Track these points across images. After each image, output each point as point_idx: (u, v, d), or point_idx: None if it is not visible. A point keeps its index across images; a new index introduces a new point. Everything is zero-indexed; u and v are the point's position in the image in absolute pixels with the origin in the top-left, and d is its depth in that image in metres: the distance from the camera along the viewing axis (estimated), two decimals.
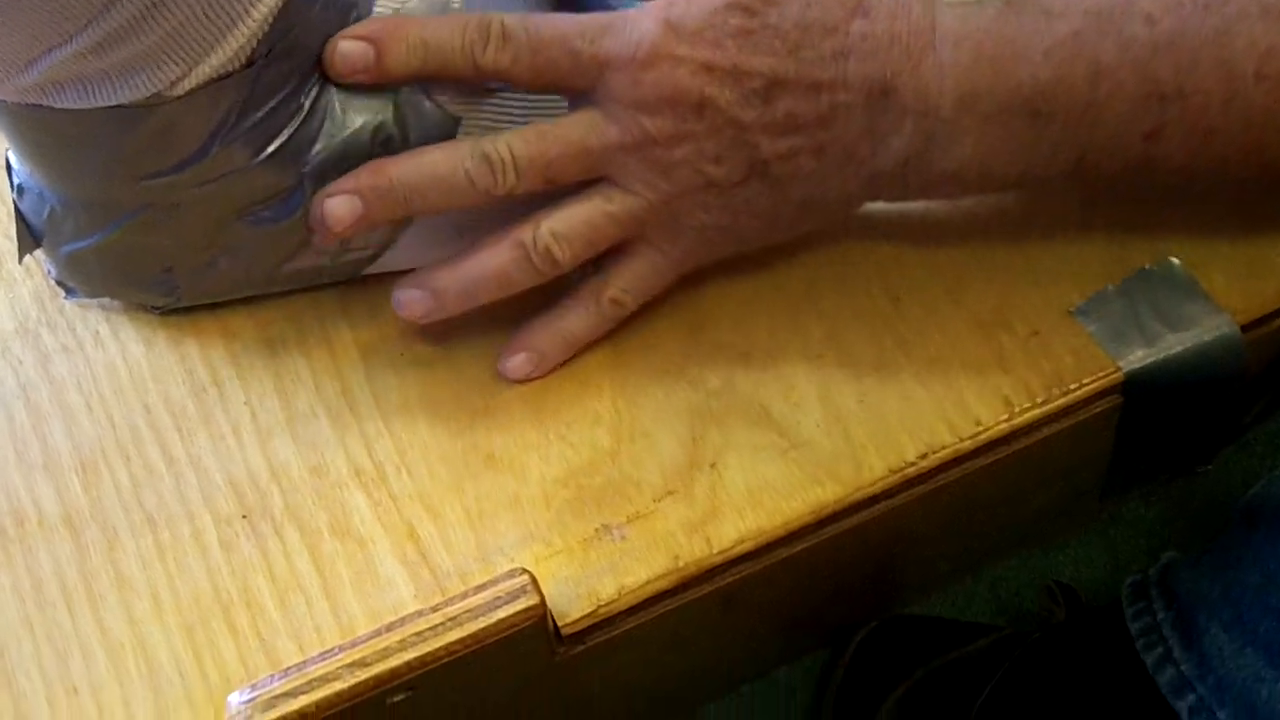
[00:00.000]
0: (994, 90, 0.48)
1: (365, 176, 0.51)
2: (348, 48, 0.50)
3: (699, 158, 0.49)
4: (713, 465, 0.51)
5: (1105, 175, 0.51)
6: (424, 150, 0.51)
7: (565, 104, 0.53)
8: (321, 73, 0.50)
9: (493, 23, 0.50)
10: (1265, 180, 0.52)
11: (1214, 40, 0.48)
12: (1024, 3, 0.49)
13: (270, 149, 0.50)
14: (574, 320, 0.53)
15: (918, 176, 0.50)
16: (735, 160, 0.49)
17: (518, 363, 0.53)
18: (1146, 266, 0.54)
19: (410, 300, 0.52)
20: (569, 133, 0.49)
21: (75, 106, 0.47)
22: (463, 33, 0.50)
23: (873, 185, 0.50)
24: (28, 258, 0.57)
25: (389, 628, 0.46)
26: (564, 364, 0.53)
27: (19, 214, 0.54)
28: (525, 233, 0.51)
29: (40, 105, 0.47)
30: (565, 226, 0.51)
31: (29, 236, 0.54)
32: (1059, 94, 0.48)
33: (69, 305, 0.56)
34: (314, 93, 0.50)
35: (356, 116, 0.51)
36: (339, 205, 0.50)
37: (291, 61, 0.48)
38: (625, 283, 0.52)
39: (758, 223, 0.51)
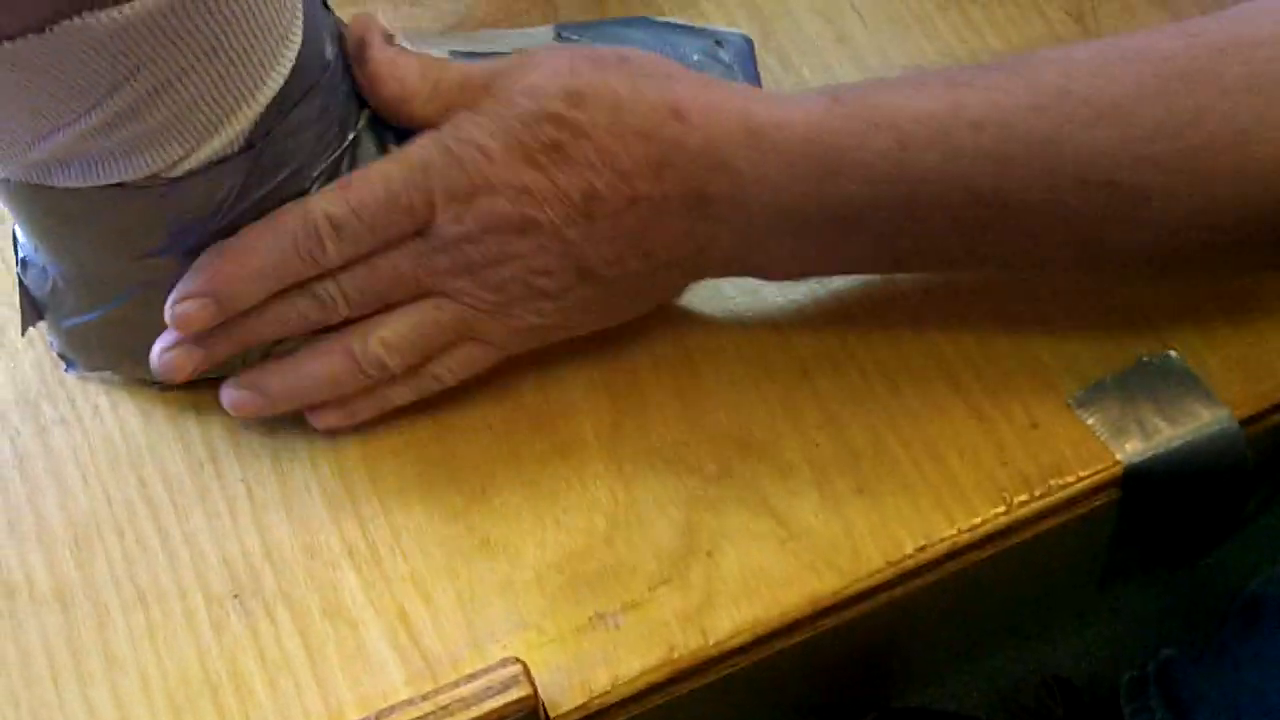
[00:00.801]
0: (806, 207, 0.49)
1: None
2: (185, 310, 0.49)
3: (527, 273, 0.50)
4: (709, 553, 0.51)
5: (930, 269, 0.52)
6: (271, 305, 0.50)
7: None
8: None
9: (317, 221, 0.49)
10: (1100, 277, 0.53)
11: (1038, 147, 0.48)
12: (850, 101, 0.49)
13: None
14: (395, 392, 0.53)
15: (743, 268, 0.51)
16: (563, 271, 0.50)
17: (330, 420, 0.53)
18: (1144, 358, 0.54)
19: (239, 400, 0.52)
20: (399, 264, 0.50)
21: (77, 184, 0.47)
22: (294, 245, 0.49)
23: (702, 276, 0.52)
24: (30, 329, 0.57)
25: (378, 716, 0.46)
26: (560, 451, 0.53)
27: (22, 287, 0.54)
28: (355, 341, 0.51)
29: (41, 184, 0.47)
30: (395, 336, 0.51)
31: (32, 309, 0.54)
32: (875, 210, 0.49)
33: (69, 377, 0.56)
34: (318, 176, 0.50)
35: None
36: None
37: (291, 145, 0.49)
38: (452, 364, 0.53)
39: (591, 317, 0.52)
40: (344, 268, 0.50)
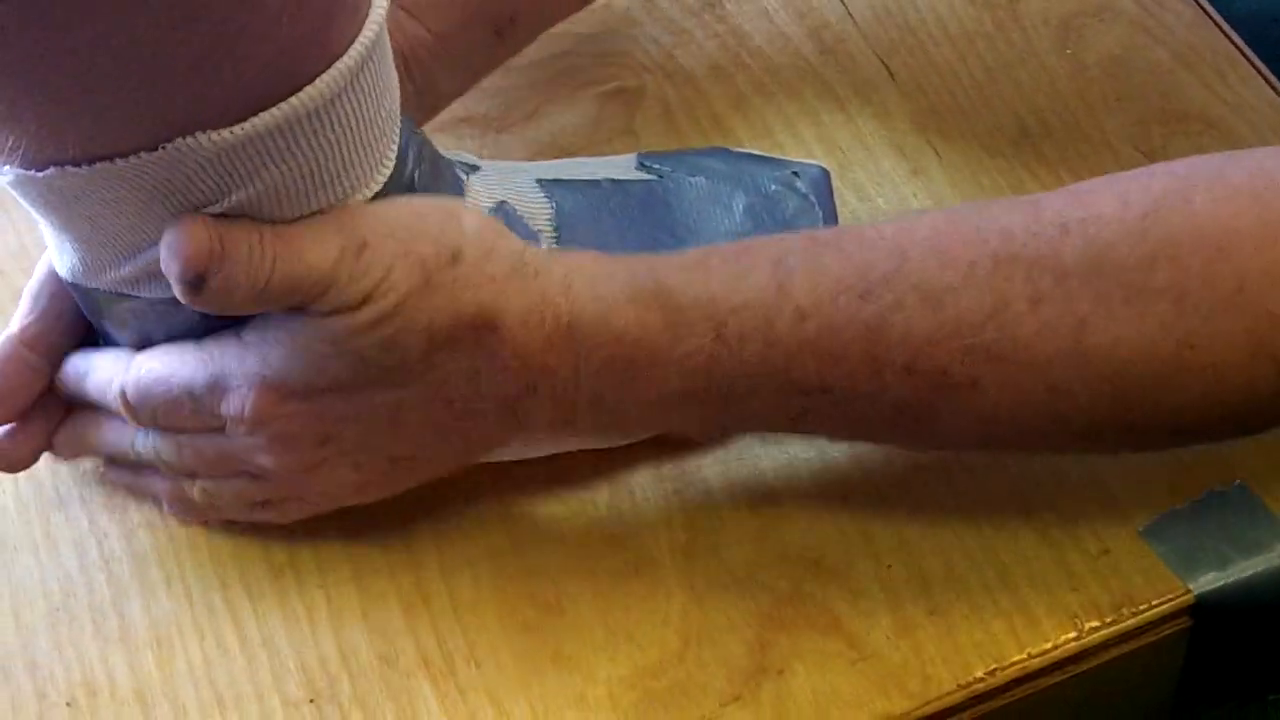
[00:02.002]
0: (621, 398, 0.49)
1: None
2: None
3: (335, 473, 0.51)
4: (780, 672, 0.51)
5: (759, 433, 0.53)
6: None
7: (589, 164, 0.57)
8: None
9: (116, 396, 0.51)
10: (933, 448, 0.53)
11: (864, 335, 0.47)
12: (670, 290, 0.48)
13: None
14: (154, 483, 0.54)
15: (560, 435, 0.52)
16: (374, 462, 0.51)
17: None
18: (1215, 488, 0.55)
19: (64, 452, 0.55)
20: (204, 448, 0.51)
21: (162, 295, 0.48)
22: (104, 400, 0.51)
23: (519, 438, 0.52)
24: None
25: None
26: (634, 566, 0.54)
27: None
28: (186, 484, 0.53)
29: (127, 294, 0.49)
30: (218, 494, 0.53)
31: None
32: (689, 400, 0.49)
33: None
34: None
35: None
36: None
37: None
38: (275, 514, 0.54)
39: (414, 478, 0.52)
40: (162, 434, 0.52)
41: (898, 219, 0.49)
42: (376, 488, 0.52)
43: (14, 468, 0.54)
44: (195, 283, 0.45)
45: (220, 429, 0.50)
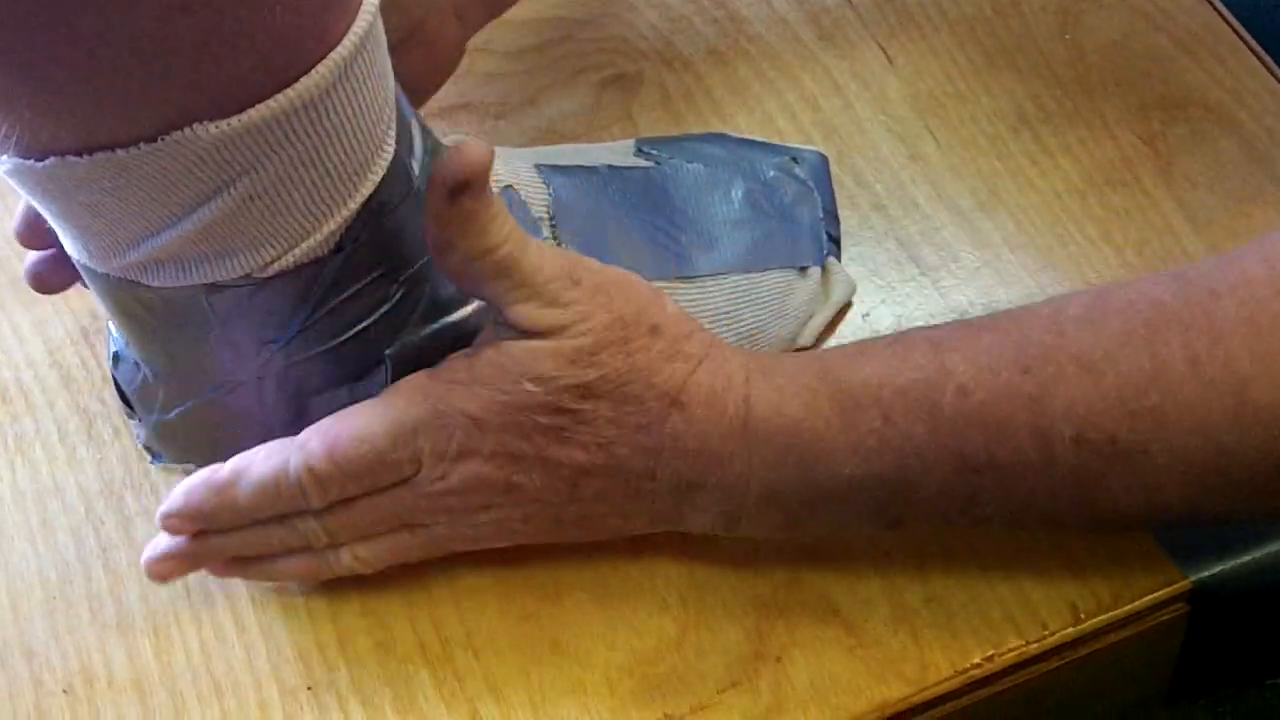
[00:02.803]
0: (799, 489, 0.49)
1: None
2: (171, 526, 0.51)
3: (506, 519, 0.51)
4: (778, 659, 0.51)
5: (925, 529, 0.52)
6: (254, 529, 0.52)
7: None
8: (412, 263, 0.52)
9: (301, 477, 0.49)
10: (1104, 527, 0.52)
11: (1029, 407, 0.47)
12: (836, 378, 0.49)
13: (355, 330, 0.51)
14: (292, 565, 0.53)
15: (725, 533, 0.52)
16: (540, 520, 0.51)
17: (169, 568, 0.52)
18: None
19: (176, 552, 0.52)
20: (381, 505, 0.51)
21: (169, 284, 0.48)
22: (278, 490, 0.50)
23: (677, 529, 0.52)
24: (118, 420, 0.58)
25: None
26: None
27: (115, 380, 0.55)
28: (327, 553, 0.52)
29: (137, 281, 0.49)
30: (371, 555, 0.52)
31: (123, 403, 0.56)
32: (863, 486, 0.48)
33: (154, 469, 0.58)
34: (404, 281, 0.51)
35: (448, 308, 0.52)
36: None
37: (380, 250, 0.50)
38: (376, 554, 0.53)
39: (567, 539, 0.53)
40: (327, 508, 0.51)
41: (1047, 301, 0.50)
42: (529, 538, 0.52)
43: (52, 290, 0.54)
44: (458, 188, 0.46)
45: (403, 482, 0.50)
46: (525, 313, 0.48)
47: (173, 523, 0.51)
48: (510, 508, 0.50)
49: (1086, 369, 0.46)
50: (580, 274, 0.48)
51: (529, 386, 0.48)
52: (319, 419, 0.53)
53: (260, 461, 0.50)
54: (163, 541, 0.52)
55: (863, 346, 0.51)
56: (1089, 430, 0.46)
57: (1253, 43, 0.65)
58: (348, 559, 0.52)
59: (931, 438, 0.47)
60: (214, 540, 0.52)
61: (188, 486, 0.51)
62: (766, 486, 0.49)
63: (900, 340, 0.50)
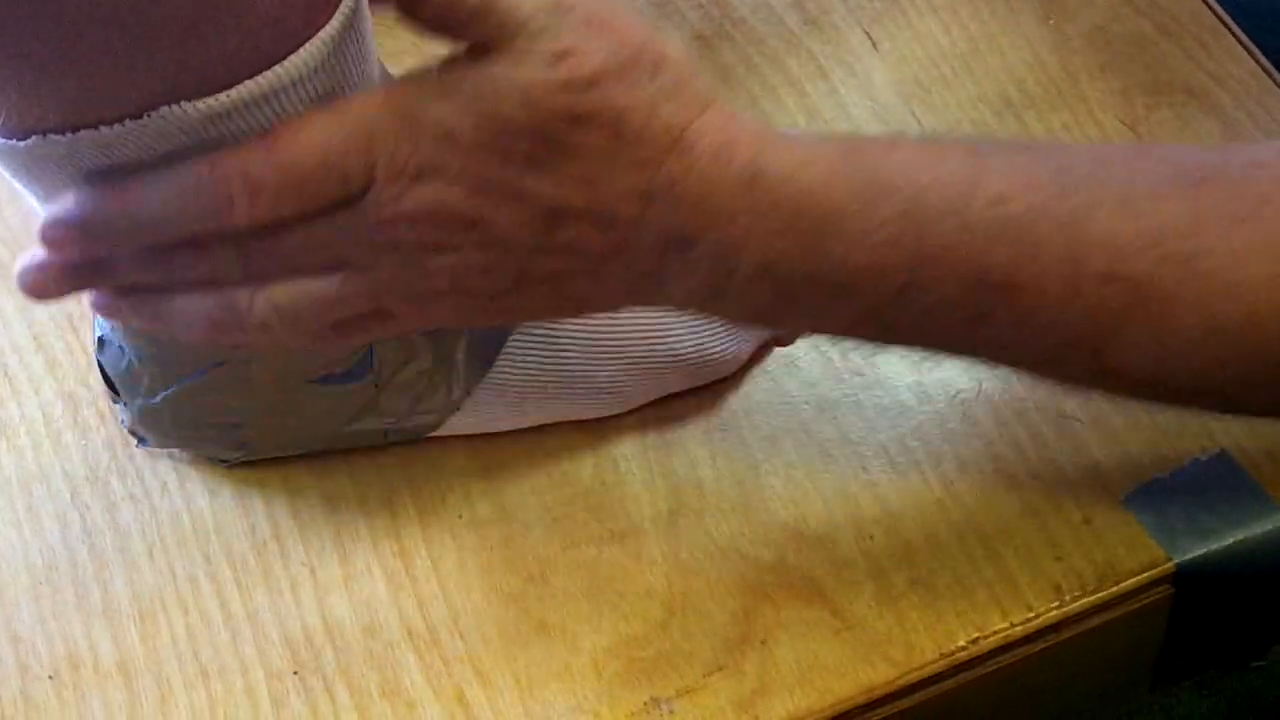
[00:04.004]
0: (795, 266, 0.44)
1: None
2: (53, 236, 0.43)
3: (461, 267, 0.44)
4: (764, 641, 0.52)
5: (922, 348, 0.47)
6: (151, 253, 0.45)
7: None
8: None
9: (229, 177, 0.42)
10: (1116, 387, 0.47)
11: (1063, 229, 0.43)
12: (863, 157, 0.45)
13: None
14: (194, 306, 0.45)
15: (700, 309, 0.47)
16: (501, 273, 0.45)
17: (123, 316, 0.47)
18: (1197, 457, 0.55)
19: (103, 303, 0.46)
20: (316, 234, 0.44)
21: None
22: (197, 199, 0.43)
23: (649, 304, 0.48)
24: (104, 405, 0.58)
25: None
26: (618, 537, 0.54)
27: (100, 365, 0.55)
28: (242, 295, 0.45)
29: None
30: (290, 303, 0.45)
31: (108, 387, 0.56)
32: (869, 278, 0.44)
33: (140, 454, 0.57)
34: None
35: None
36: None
37: None
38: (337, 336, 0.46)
39: (509, 317, 0.48)
40: (250, 232, 0.43)
41: (1089, 145, 0.47)
42: (482, 307, 0.46)
43: (42, 297, 0.47)
44: None
45: (348, 204, 0.43)
46: (518, 50, 0.42)
47: (57, 233, 0.43)
48: (470, 250, 0.44)
49: (1125, 204, 0.43)
50: (570, 1, 0.43)
51: (514, 110, 0.42)
52: (304, 405, 0.53)
53: (173, 168, 0.43)
54: (42, 252, 0.44)
55: (895, 137, 0.47)
56: (1119, 266, 0.43)
57: (1235, 27, 0.65)
58: (263, 306, 0.45)
59: (955, 241, 0.43)
60: (105, 258, 0.44)
61: (81, 194, 0.43)
62: (764, 256, 0.44)
63: (935, 141, 0.46)
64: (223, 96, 0.42)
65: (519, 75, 0.42)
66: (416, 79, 0.43)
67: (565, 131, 0.43)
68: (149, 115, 0.42)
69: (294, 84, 0.43)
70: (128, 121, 0.42)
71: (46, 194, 0.46)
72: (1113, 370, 0.45)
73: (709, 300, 0.46)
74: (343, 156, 0.42)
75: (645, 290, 0.46)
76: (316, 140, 0.42)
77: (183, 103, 0.42)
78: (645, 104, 0.43)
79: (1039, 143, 0.47)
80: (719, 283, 0.45)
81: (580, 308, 0.47)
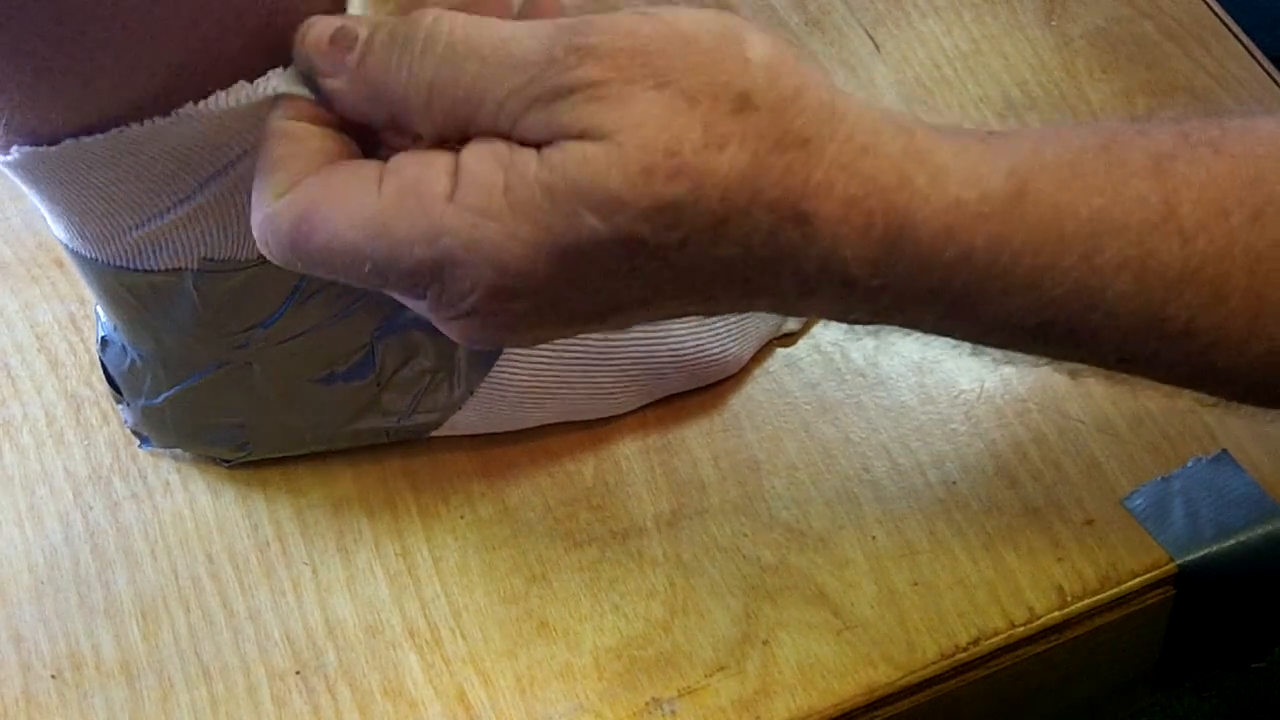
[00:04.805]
0: (936, 320, 0.39)
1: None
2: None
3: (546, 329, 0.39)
4: (765, 642, 0.52)
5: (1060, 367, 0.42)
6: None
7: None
8: None
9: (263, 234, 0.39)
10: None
11: (1250, 267, 0.37)
12: (1039, 195, 0.37)
13: (343, 311, 0.51)
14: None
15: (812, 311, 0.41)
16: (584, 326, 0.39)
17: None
18: (1198, 457, 0.55)
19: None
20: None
21: (159, 266, 0.48)
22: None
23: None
24: (106, 405, 0.58)
25: None
26: (620, 537, 0.54)
27: (102, 365, 0.55)
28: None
29: (125, 267, 0.49)
30: None
31: (110, 387, 0.56)
32: (1027, 326, 0.39)
33: (142, 454, 0.57)
34: None
35: None
36: None
37: None
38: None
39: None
40: None
41: (1250, 116, 0.39)
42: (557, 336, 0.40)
43: None
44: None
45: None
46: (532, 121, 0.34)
47: None
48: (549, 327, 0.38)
49: None
50: (589, 38, 0.34)
51: (586, 218, 0.34)
52: (306, 404, 0.53)
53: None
54: None
55: (1074, 158, 0.37)
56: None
57: (1237, 29, 0.65)
58: None
59: (1135, 295, 0.37)
60: None
61: None
62: (899, 312, 0.38)
63: (1112, 148, 0.38)
64: (225, 99, 0.42)
65: (591, 176, 0.35)
66: (474, 193, 0.35)
67: (655, 238, 0.35)
68: (176, 112, 0.42)
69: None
70: (157, 119, 0.42)
71: (50, 197, 0.46)
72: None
73: (820, 314, 0.41)
74: (373, 278, 0.38)
75: (739, 304, 0.40)
76: (348, 251, 0.38)
77: (210, 98, 0.42)
78: (753, 170, 0.35)
79: (1225, 135, 0.38)
80: (838, 308, 0.39)
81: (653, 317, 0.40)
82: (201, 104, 0.42)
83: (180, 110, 0.42)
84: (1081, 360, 0.40)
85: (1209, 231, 0.37)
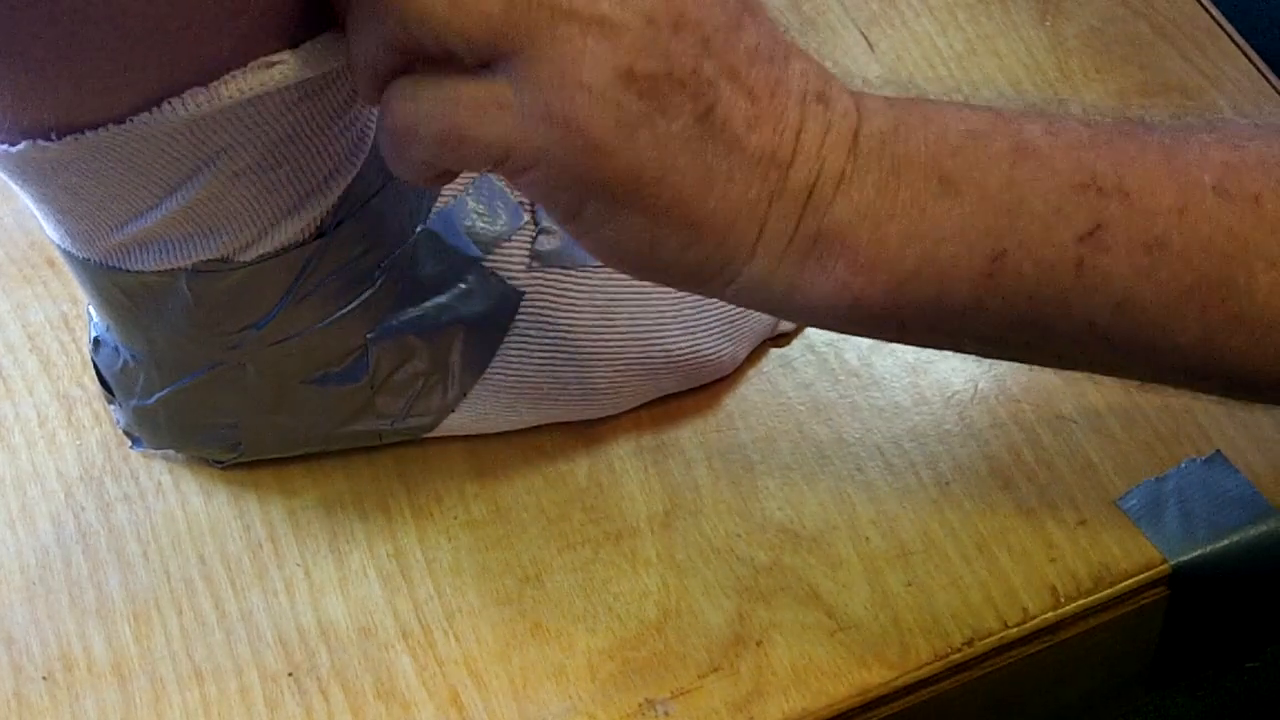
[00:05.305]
0: (900, 140, 0.43)
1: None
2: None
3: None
4: (759, 643, 0.52)
5: (1031, 288, 0.42)
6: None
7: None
8: (396, 246, 0.51)
9: None
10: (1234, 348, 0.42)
11: (1159, 147, 0.42)
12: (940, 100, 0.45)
13: (337, 314, 0.51)
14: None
15: (808, 225, 0.42)
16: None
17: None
18: (1192, 458, 0.55)
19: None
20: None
21: (150, 267, 0.48)
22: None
23: (769, 208, 0.42)
24: (98, 405, 0.58)
25: None
26: (613, 538, 0.54)
27: (94, 365, 0.55)
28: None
29: (117, 266, 0.49)
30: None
31: (103, 388, 0.56)
32: (972, 163, 0.41)
33: (134, 454, 0.57)
34: (384, 266, 0.51)
35: (428, 292, 0.52)
36: None
37: (361, 232, 0.50)
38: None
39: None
40: None
41: (1201, 120, 0.45)
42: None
43: None
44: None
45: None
46: None
47: None
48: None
49: (1211, 125, 0.42)
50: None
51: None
52: (300, 406, 0.53)
53: None
54: None
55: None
56: (1232, 183, 0.41)
57: (1231, 29, 0.65)
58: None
59: (1051, 141, 0.42)
60: None
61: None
62: (877, 127, 0.44)
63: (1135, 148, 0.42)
64: (212, 99, 0.42)
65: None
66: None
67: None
68: (131, 120, 0.42)
69: (289, 86, 0.43)
70: (111, 126, 0.42)
71: (43, 197, 0.46)
72: (1242, 317, 0.41)
73: (827, 186, 0.43)
74: None
75: (782, 159, 0.42)
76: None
77: (173, 101, 0.42)
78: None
79: (1169, 135, 0.43)
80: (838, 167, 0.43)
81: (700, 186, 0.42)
82: (175, 103, 0.42)
83: (136, 118, 0.42)
84: (1033, 238, 0.42)
85: (1105, 124, 0.42)
